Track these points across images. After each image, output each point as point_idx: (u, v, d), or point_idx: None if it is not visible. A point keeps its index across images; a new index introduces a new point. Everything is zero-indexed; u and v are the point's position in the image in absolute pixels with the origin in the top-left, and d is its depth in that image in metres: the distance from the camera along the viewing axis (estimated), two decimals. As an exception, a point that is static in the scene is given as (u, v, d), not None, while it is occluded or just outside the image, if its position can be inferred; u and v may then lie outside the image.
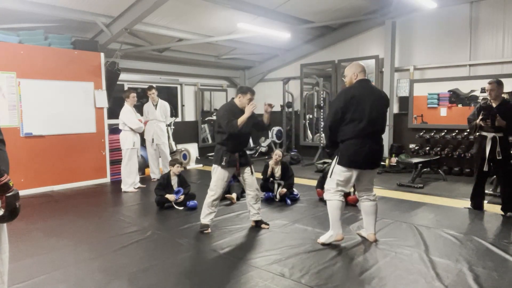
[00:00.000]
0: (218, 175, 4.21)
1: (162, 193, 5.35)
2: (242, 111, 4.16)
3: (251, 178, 4.34)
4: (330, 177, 3.75)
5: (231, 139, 4.14)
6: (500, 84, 4.67)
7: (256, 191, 4.37)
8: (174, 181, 5.50)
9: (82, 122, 6.93)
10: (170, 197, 5.31)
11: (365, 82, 3.73)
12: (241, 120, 4.05)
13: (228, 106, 4.31)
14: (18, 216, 1.96)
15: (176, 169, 5.47)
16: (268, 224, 4.46)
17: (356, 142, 3.55)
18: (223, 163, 4.14)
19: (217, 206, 4.33)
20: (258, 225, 4.42)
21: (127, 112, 6.39)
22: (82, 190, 6.61)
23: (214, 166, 4.25)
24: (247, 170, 4.33)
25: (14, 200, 1.90)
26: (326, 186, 3.80)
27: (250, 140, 11.11)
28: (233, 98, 4.32)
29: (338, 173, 3.68)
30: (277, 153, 5.74)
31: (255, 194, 4.36)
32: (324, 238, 3.81)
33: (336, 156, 3.71)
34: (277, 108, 10.72)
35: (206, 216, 4.28)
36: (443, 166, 7.57)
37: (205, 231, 4.23)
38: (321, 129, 3.62)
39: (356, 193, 3.94)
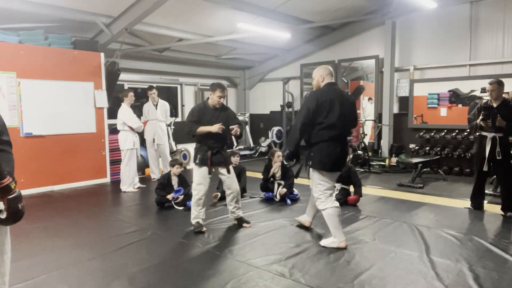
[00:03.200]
0: (197, 172, 4.23)
1: (163, 193, 5.35)
2: (214, 110, 4.18)
3: (228, 179, 4.31)
4: (314, 186, 3.75)
5: (203, 138, 4.16)
6: (501, 84, 4.67)
7: (235, 193, 4.34)
8: (175, 181, 5.50)
9: (82, 122, 6.92)
10: (170, 196, 5.31)
11: (334, 85, 3.75)
12: (201, 129, 4.07)
13: (199, 106, 4.30)
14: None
15: (176, 169, 5.47)
16: (249, 223, 4.46)
17: (329, 145, 3.58)
18: (197, 161, 4.18)
19: (204, 205, 4.33)
20: (240, 224, 4.43)
21: (127, 111, 6.38)
22: (82, 190, 6.61)
23: (193, 165, 4.30)
24: (224, 170, 4.28)
25: (16, 203, 1.88)
26: (315, 194, 3.77)
27: (250, 140, 11.12)
28: (207, 98, 4.30)
29: (320, 177, 3.68)
30: (279, 154, 5.73)
31: (233, 196, 4.35)
32: (327, 242, 3.77)
33: (303, 164, 3.71)
34: (277, 108, 10.78)
35: (195, 216, 4.28)
36: (443, 166, 7.57)
37: (201, 231, 4.21)
38: (289, 133, 3.60)
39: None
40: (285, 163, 3.78)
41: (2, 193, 1.85)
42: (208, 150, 4.17)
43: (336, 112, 3.55)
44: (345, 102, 3.67)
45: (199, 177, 4.22)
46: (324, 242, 3.79)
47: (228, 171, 4.29)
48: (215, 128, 4.07)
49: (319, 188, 3.70)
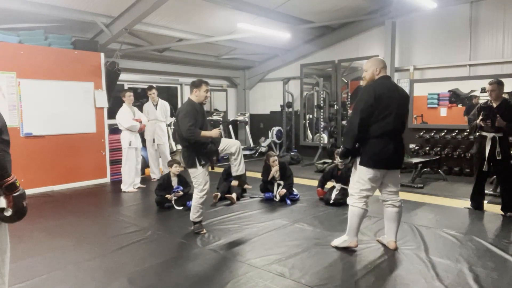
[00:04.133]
0: (202, 173, 4.10)
1: (162, 193, 5.34)
2: (202, 108, 4.16)
3: (225, 142, 4.21)
4: (354, 180, 3.56)
5: (201, 140, 4.02)
6: (501, 85, 4.66)
7: (236, 146, 4.19)
8: (174, 181, 5.49)
9: (82, 122, 6.93)
10: (170, 196, 5.31)
11: (389, 79, 3.58)
12: (204, 134, 3.98)
13: (188, 107, 4.10)
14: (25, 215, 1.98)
15: (175, 169, 5.46)
16: (245, 191, 4.54)
17: (381, 141, 3.39)
18: (202, 162, 4.07)
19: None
20: (238, 182, 4.36)
21: (122, 111, 6.40)
22: (82, 190, 6.61)
23: (193, 170, 4.08)
24: (221, 144, 4.17)
25: (21, 200, 1.93)
26: (350, 190, 3.61)
27: (250, 140, 11.13)
28: (189, 98, 4.19)
29: (362, 175, 3.48)
30: (274, 159, 5.72)
31: (235, 148, 4.18)
32: (338, 242, 3.69)
33: (357, 158, 3.51)
34: (277, 108, 10.78)
35: (199, 215, 4.25)
36: (443, 166, 7.57)
37: (201, 232, 4.20)
38: (345, 129, 3.25)
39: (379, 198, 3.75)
40: (340, 161, 3.57)
41: (8, 190, 1.90)
42: (206, 145, 4.08)
43: (391, 107, 3.37)
44: (400, 96, 3.50)
45: (205, 176, 4.15)
46: (335, 242, 3.71)
47: (222, 138, 4.29)
48: (216, 133, 4.03)
49: (357, 186, 3.52)
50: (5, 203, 1.92)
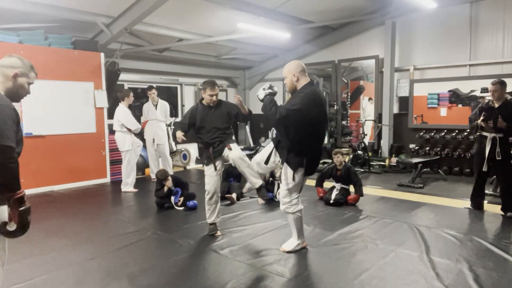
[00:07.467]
0: (206, 172, 4.17)
1: (163, 199, 5.32)
2: (208, 108, 4.11)
3: (233, 153, 4.03)
4: (289, 187, 3.47)
5: (201, 137, 4.15)
6: (503, 85, 4.64)
7: (247, 163, 3.98)
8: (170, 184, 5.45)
9: (82, 122, 6.92)
10: (172, 199, 5.31)
11: (312, 84, 3.53)
12: (177, 134, 4.17)
13: (192, 108, 4.27)
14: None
15: (168, 183, 5.35)
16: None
17: (308, 148, 3.41)
18: (205, 161, 4.17)
19: (217, 202, 4.17)
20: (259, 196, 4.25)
21: (126, 113, 6.35)
22: (82, 190, 6.60)
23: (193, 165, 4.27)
24: (225, 151, 4.06)
25: (26, 215, 1.91)
26: (286, 199, 3.51)
27: (250, 140, 11.12)
28: (202, 98, 4.21)
29: (293, 178, 3.43)
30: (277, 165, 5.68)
31: (246, 165, 3.99)
32: (291, 247, 3.62)
33: (285, 164, 3.48)
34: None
35: (209, 216, 4.22)
36: (443, 166, 7.57)
37: (215, 235, 4.14)
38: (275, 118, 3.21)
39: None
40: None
41: (15, 204, 1.87)
42: (208, 147, 4.10)
43: (319, 117, 3.40)
44: (323, 103, 3.56)
45: (208, 176, 4.16)
46: (288, 248, 3.63)
47: (230, 148, 4.06)
48: (178, 136, 4.15)
49: (293, 189, 3.51)
50: (7, 217, 1.90)
